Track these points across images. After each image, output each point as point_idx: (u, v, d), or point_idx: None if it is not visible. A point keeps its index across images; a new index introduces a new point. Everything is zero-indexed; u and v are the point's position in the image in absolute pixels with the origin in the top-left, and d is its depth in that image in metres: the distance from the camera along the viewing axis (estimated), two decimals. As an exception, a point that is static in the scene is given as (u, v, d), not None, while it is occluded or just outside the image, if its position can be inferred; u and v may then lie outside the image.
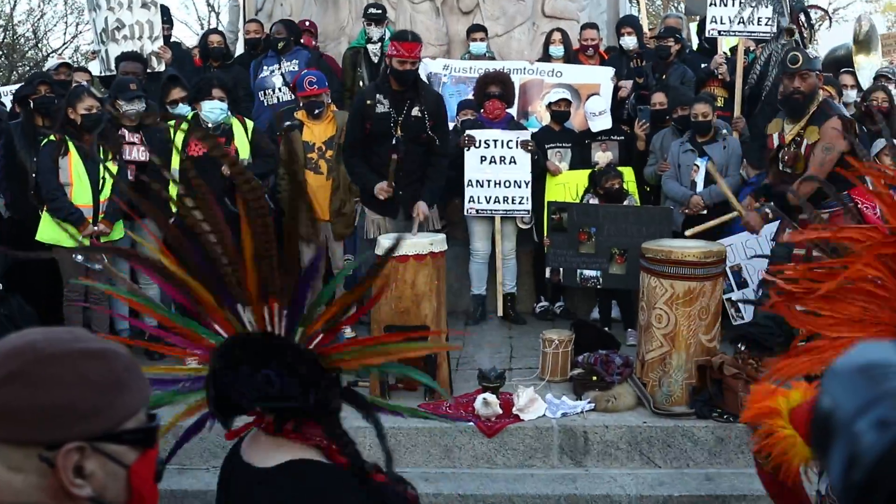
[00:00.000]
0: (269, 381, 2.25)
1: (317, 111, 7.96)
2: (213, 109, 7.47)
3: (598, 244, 7.99)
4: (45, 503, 1.49)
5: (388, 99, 7.36)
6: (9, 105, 8.82)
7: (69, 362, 1.51)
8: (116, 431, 1.54)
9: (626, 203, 8.22)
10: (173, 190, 7.22)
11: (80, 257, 6.93)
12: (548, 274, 8.22)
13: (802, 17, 9.30)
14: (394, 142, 7.34)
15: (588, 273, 8.04)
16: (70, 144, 7.24)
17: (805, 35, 9.03)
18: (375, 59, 9.59)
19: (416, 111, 7.36)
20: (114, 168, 7.43)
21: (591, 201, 8.31)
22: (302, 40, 9.98)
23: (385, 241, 6.55)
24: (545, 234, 8.30)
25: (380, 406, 2.55)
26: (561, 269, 8.13)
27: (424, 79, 8.76)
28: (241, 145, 7.53)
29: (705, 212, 7.97)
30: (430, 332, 6.32)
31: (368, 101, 7.42)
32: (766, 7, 8.56)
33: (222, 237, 2.32)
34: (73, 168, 7.22)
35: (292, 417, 2.31)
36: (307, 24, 10.42)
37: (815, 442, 1.02)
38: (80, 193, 7.27)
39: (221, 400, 2.28)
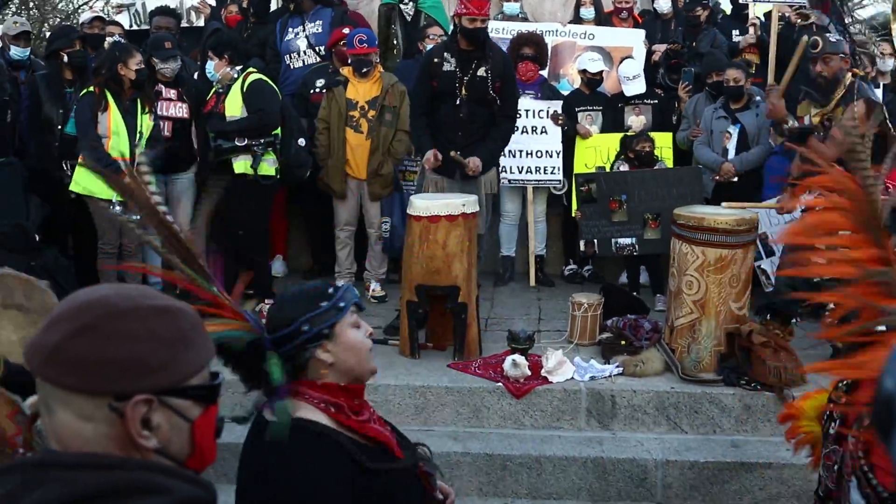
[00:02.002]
0: None
1: (364, 70, 7.96)
2: (211, 69, 7.68)
3: (629, 211, 8.00)
4: (113, 452, 1.54)
5: (455, 58, 7.26)
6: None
7: (139, 318, 1.55)
8: (182, 387, 1.59)
9: (656, 168, 8.21)
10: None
11: (117, 209, 6.99)
12: (582, 247, 8.23)
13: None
14: (457, 102, 7.28)
15: (623, 241, 8.05)
16: (110, 98, 7.30)
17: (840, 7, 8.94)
18: (409, 18, 9.54)
19: (481, 71, 7.26)
20: (150, 123, 7.49)
21: (622, 167, 8.30)
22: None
23: (418, 201, 6.57)
24: (575, 208, 8.28)
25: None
26: (595, 241, 8.14)
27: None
28: (233, 101, 7.55)
29: (736, 179, 7.95)
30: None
31: (436, 59, 7.35)
32: None
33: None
34: (111, 121, 7.28)
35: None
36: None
37: (877, 424, 1.03)
38: (117, 146, 7.34)
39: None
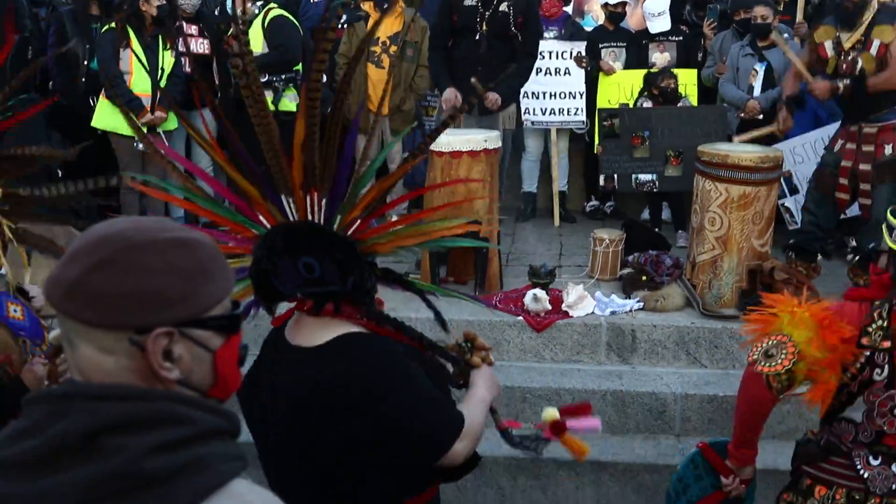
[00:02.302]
0: (310, 268, 2.37)
1: (385, 4, 7.91)
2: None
3: (652, 147, 7.95)
4: (135, 384, 1.54)
5: None
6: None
7: (157, 250, 1.54)
8: (203, 318, 1.58)
9: (679, 105, 8.15)
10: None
11: (139, 145, 7.02)
12: (602, 181, 8.18)
13: None
14: (477, 37, 7.23)
15: (643, 177, 8.01)
16: (132, 34, 7.30)
17: None
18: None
19: (503, 6, 7.19)
20: (171, 59, 7.49)
21: (645, 103, 8.24)
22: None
23: (440, 137, 6.54)
24: (597, 142, 8.23)
25: (414, 286, 2.70)
26: (615, 176, 8.09)
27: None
28: (254, 37, 7.51)
29: (761, 116, 7.88)
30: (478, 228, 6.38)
31: None
32: None
33: (269, 129, 2.42)
34: (133, 58, 7.29)
35: (331, 300, 2.45)
36: None
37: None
38: (138, 82, 7.35)
39: (265, 287, 2.42)
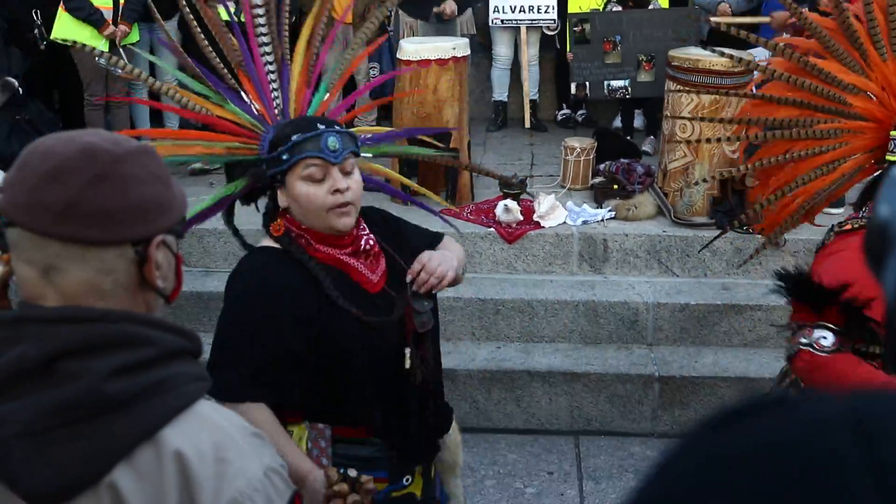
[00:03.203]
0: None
1: None
2: None
3: (624, 53, 7.82)
4: (127, 302, 1.54)
5: None
6: None
7: (135, 160, 1.53)
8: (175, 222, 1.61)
9: (650, 7, 8.01)
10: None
11: (102, 61, 6.86)
12: (573, 89, 8.06)
13: None
14: None
15: (616, 84, 7.88)
16: None
17: None
18: None
19: None
20: None
21: (615, 8, 8.09)
22: None
23: (407, 45, 6.43)
24: (568, 49, 8.08)
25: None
26: (587, 83, 7.97)
27: None
28: None
29: (734, 20, 7.78)
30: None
31: None
32: None
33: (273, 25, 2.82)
34: None
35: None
36: None
37: (870, 252, 1.01)
38: None
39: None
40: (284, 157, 2.57)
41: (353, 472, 2.33)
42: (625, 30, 7.79)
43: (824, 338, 2.80)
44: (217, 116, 2.80)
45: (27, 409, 1.43)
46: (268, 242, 2.68)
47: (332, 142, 2.57)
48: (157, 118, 7.97)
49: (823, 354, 2.79)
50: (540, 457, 5.32)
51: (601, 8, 8.21)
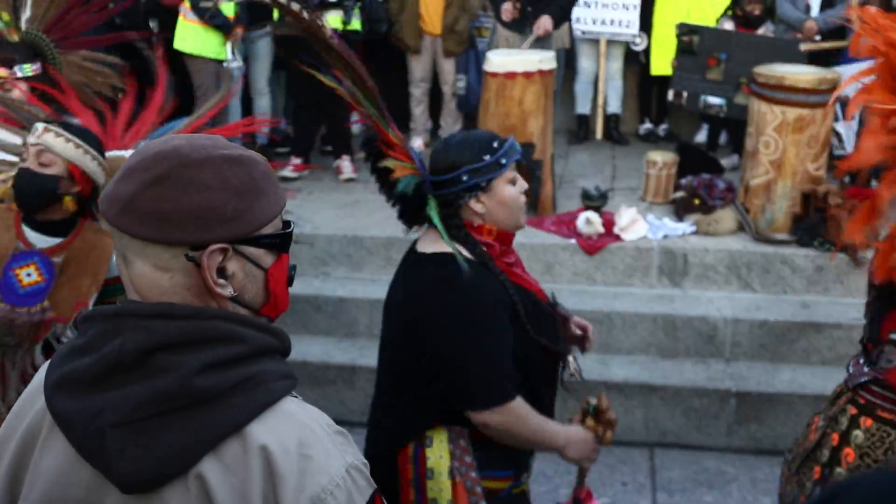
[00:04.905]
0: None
1: None
2: None
3: (726, 71, 7.74)
4: (190, 301, 1.58)
5: None
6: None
7: (213, 167, 1.56)
8: (255, 235, 1.60)
9: (762, 31, 7.92)
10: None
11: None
12: (670, 96, 8.04)
13: None
14: None
15: (713, 100, 7.83)
16: None
17: None
18: None
19: None
20: None
21: (726, 24, 8.04)
22: None
23: (495, 58, 6.54)
24: (673, 57, 8.04)
25: None
26: (685, 93, 7.95)
27: None
28: None
29: (819, 37, 7.73)
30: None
31: None
32: None
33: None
34: None
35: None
36: None
37: None
38: (225, 4, 7.42)
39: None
40: (503, 161, 2.80)
41: (592, 401, 2.94)
42: (732, 48, 7.72)
43: None
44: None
45: (123, 399, 1.49)
46: (443, 248, 2.80)
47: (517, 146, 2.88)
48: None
49: None
50: (614, 468, 5.36)
51: (714, 24, 8.19)
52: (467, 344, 2.72)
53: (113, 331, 1.54)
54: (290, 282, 1.74)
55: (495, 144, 2.79)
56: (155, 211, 1.52)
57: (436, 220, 2.77)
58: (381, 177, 2.86)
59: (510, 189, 2.81)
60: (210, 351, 1.53)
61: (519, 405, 2.75)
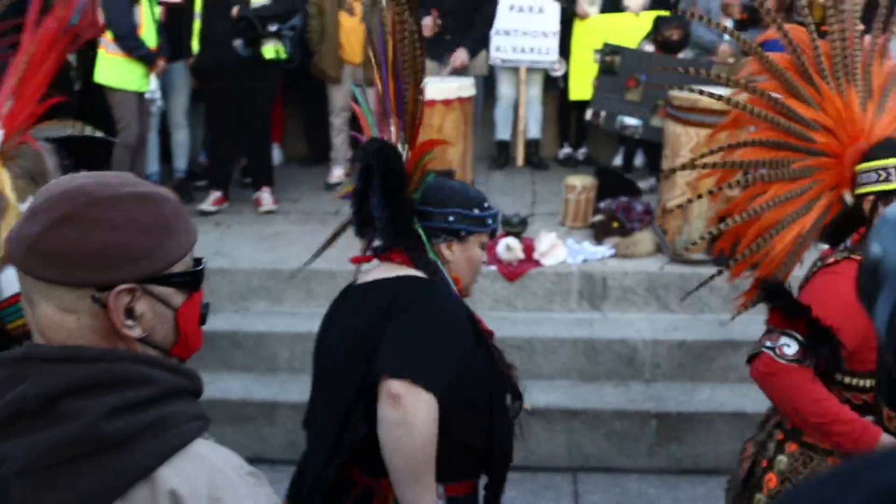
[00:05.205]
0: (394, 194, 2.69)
1: None
2: None
3: (645, 93, 7.88)
4: (97, 343, 1.53)
5: None
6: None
7: (120, 205, 1.52)
8: (165, 274, 1.57)
9: (681, 55, 8.04)
10: (195, 32, 7.32)
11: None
12: (588, 115, 8.13)
13: None
14: None
15: (629, 121, 7.91)
16: None
17: None
18: None
19: None
20: (158, 10, 7.46)
21: (647, 47, 8.16)
22: None
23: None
24: (594, 76, 8.12)
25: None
26: (603, 113, 8.03)
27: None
28: None
29: (732, 60, 7.86)
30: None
31: None
32: None
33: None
34: (144, 10, 7.29)
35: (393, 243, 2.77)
36: None
37: (863, 288, 1.05)
38: (148, 35, 7.34)
39: (364, 207, 2.77)
40: (489, 221, 2.87)
41: None
42: (651, 71, 7.85)
43: (787, 346, 2.86)
44: None
45: (28, 447, 1.45)
46: (408, 273, 2.76)
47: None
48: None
49: (782, 362, 2.84)
50: (538, 494, 5.35)
51: (634, 45, 8.29)
52: (425, 334, 2.63)
53: (17, 376, 1.49)
54: (202, 320, 1.70)
55: (486, 205, 2.87)
56: (60, 252, 1.48)
57: (423, 235, 2.78)
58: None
59: (479, 252, 2.87)
60: (118, 394, 1.49)
61: (430, 402, 2.55)
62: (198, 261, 1.66)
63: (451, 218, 2.78)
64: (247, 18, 7.26)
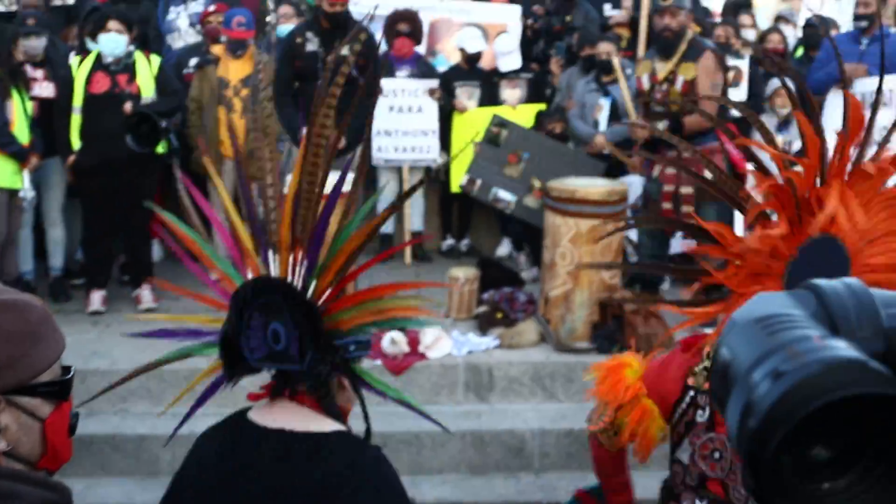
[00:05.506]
0: (276, 337, 2.20)
1: (239, 52, 7.87)
2: (110, 42, 7.24)
3: (524, 171, 7.97)
4: None
5: (318, 37, 7.30)
6: None
7: None
8: (31, 384, 1.52)
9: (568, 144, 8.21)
10: (74, 128, 7.17)
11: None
12: (464, 181, 8.23)
13: None
14: (320, 82, 7.32)
15: (503, 194, 7.99)
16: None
17: None
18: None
19: (344, 50, 7.29)
20: (30, 105, 7.32)
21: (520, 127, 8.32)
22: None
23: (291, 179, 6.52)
24: (477, 140, 8.18)
25: (366, 382, 2.51)
26: (479, 181, 8.11)
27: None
28: (145, 83, 7.39)
29: (606, 151, 8.08)
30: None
31: (298, 39, 7.35)
32: None
33: (275, 178, 2.41)
34: (15, 106, 7.13)
35: (291, 383, 2.26)
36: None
37: (714, 391, 1.08)
38: (20, 131, 7.18)
39: (232, 351, 2.25)
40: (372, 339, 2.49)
41: None
42: (535, 151, 7.99)
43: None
44: None
45: None
46: (328, 427, 2.31)
47: None
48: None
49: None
50: (430, 591, 5.28)
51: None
52: None
53: None
54: (71, 431, 1.64)
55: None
56: None
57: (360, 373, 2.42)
58: None
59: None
60: None
61: None
62: (66, 369, 1.61)
63: (352, 347, 2.35)
64: (143, 114, 7.17)
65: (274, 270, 2.34)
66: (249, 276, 2.37)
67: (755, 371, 0.95)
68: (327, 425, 2.28)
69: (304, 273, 2.32)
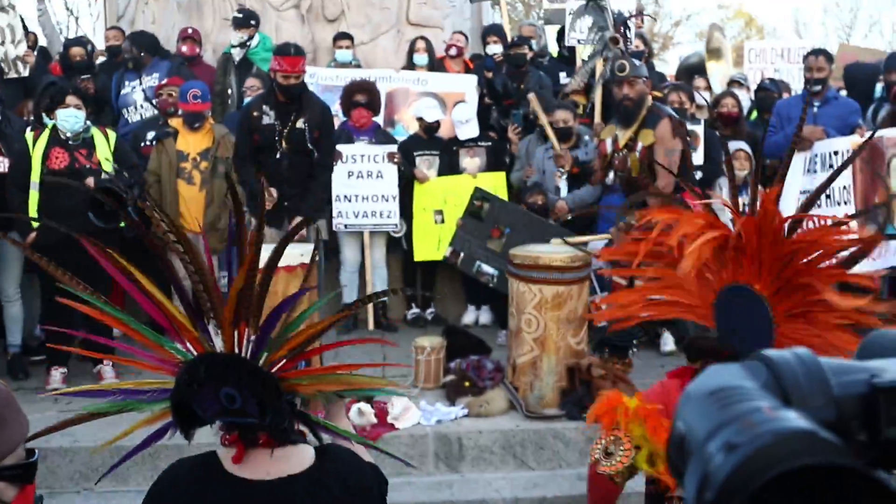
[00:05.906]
0: (231, 399, 2.28)
1: (196, 124, 7.87)
2: (69, 118, 7.22)
3: (506, 245, 7.96)
4: None
5: (274, 110, 7.35)
6: None
7: None
8: None
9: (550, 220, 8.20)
10: (32, 204, 7.08)
11: None
12: (447, 253, 8.22)
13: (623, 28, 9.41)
14: (278, 155, 7.35)
15: (486, 268, 8.01)
16: None
17: (629, 44, 9.12)
18: (236, 64, 9.56)
19: (300, 123, 7.37)
20: None
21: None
22: (184, 48, 9.78)
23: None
24: (460, 216, 8.22)
25: (328, 429, 2.69)
26: (461, 253, 8.12)
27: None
28: (104, 156, 7.34)
29: (570, 217, 8.12)
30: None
31: (255, 113, 7.40)
32: (588, 18, 8.78)
33: (196, 259, 2.50)
34: None
35: (253, 433, 2.38)
36: (189, 31, 9.99)
37: (672, 463, 1.08)
38: None
39: (185, 413, 2.33)
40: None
41: None
42: (517, 226, 8.00)
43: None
44: None
45: None
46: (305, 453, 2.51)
47: None
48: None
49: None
50: None
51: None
52: None
53: None
54: None
55: None
56: None
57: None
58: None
59: None
60: None
61: None
62: (30, 452, 1.59)
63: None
64: (108, 189, 7.09)
65: (218, 344, 2.47)
66: (190, 348, 2.49)
67: (709, 443, 0.96)
68: (296, 465, 2.43)
69: (253, 347, 2.45)
